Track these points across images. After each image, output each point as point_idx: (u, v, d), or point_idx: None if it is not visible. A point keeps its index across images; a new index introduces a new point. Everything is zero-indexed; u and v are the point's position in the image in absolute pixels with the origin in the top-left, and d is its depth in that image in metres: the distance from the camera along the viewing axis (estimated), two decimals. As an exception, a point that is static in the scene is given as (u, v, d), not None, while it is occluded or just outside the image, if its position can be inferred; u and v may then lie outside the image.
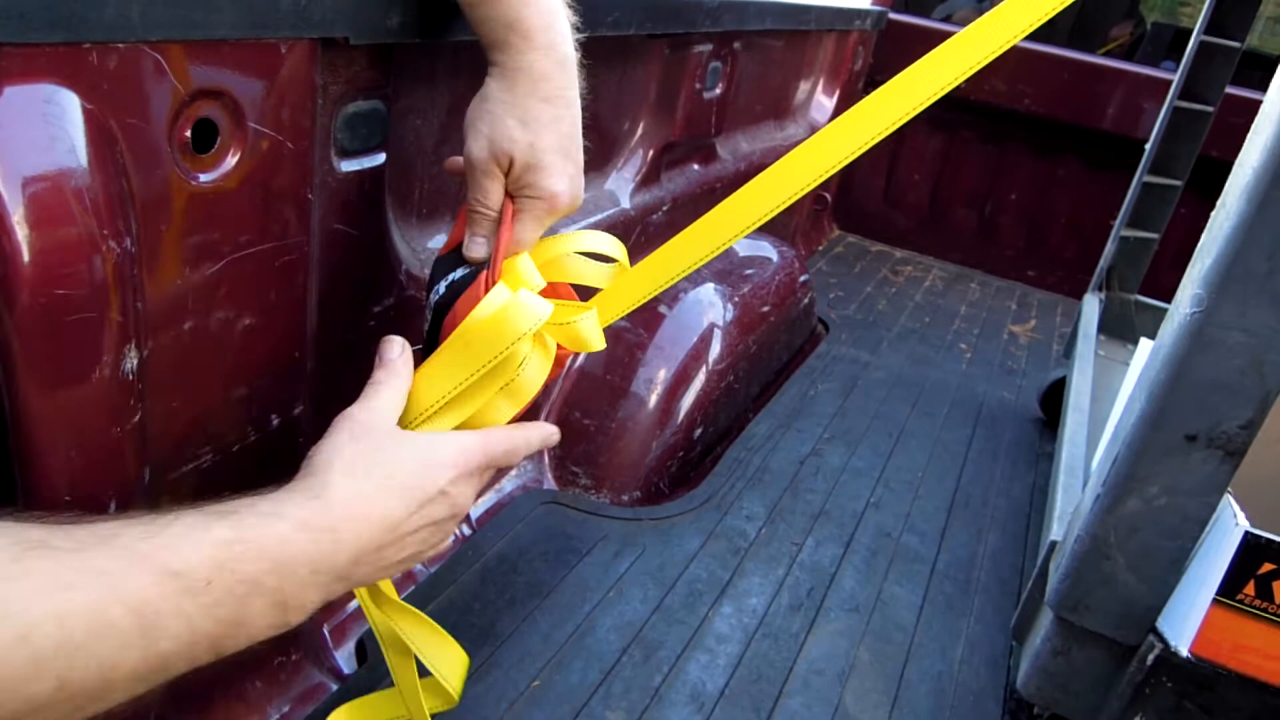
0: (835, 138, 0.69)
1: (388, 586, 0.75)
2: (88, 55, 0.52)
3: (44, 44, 0.50)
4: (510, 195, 0.71)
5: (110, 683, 0.44)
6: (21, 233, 0.52)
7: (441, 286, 0.73)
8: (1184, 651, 0.76)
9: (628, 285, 0.76)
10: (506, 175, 0.70)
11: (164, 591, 0.46)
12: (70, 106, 0.53)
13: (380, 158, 0.81)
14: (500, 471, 0.72)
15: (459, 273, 0.72)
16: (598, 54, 1.27)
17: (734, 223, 0.72)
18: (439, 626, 0.77)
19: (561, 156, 0.69)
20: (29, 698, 0.40)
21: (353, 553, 0.56)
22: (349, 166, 0.78)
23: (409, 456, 0.61)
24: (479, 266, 0.72)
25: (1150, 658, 0.78)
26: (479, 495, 0.69)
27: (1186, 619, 0.76)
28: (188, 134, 0.61)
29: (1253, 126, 0.73)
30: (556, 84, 0.68)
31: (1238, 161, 0.73)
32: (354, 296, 0.85)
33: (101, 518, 0.47)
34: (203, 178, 0.63)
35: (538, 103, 0.67)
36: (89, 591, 0.43)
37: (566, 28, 0.69)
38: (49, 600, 0.41)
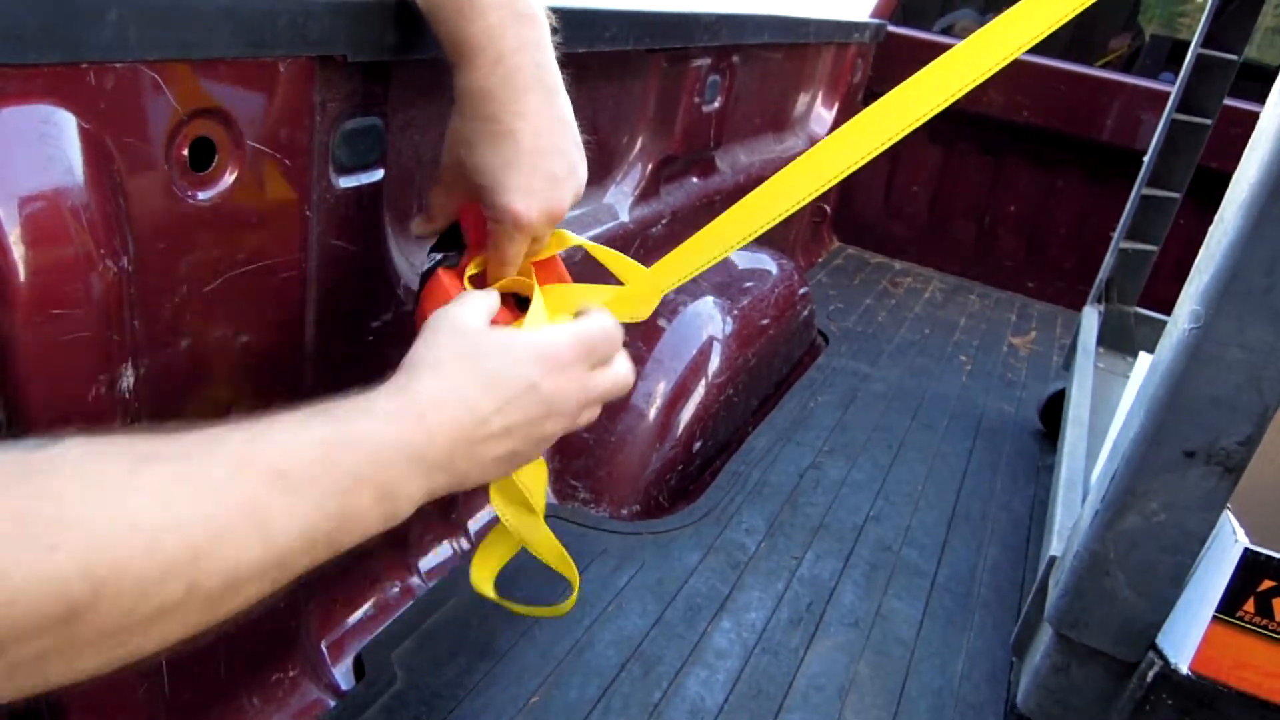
0: (836, 149, 0.69)
1: (538, 485, 0.78)
2: (85, 75, 0.53)
3: (41, 64, 0.50)
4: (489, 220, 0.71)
5: (236, 583, 0.46)
6: (18, 252, 0.52)
7: (422, 269, 0.76)
8: (1184, 669, 0.76)
9: (626, 295, 0.77)
10: (471, 195, 0.71)
11: (273, 492, 0.47)
12: (67, 126, 0.53)
13: (378, 174, 0.81)
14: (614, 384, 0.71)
15: (431, 259, 0.75)
16: (596, 68, 1.28)
17: (733, 233, 0.73)
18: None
19: (515, 172, 0.67)
20: (162, 603, 0.42)
21: (445, 443, 0.57)
22: (347, 183, 0.78)
23: (494, 349, 0.61)
24: (440, 260, 0.74)
25: (1150, 675, 0.77)
26: (593, 401, 0.68)
27: (1186, 636, 0.76)
28: (185, 152, 0.61)
29: (1250, 142, 0.73)
30: (499, 101, 0.66)
31: (1235, 177, 0.73)
32: (352, 312, 0.85)
33: (204, 424, 0.48)
34: (200, 196, 0.63)
35: (480, 123, 0.66)
36: (205, 499, 0.45)
37: (524, 37, 0.66)
38: (169, 509, 0.43)
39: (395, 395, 0.57)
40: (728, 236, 0.72)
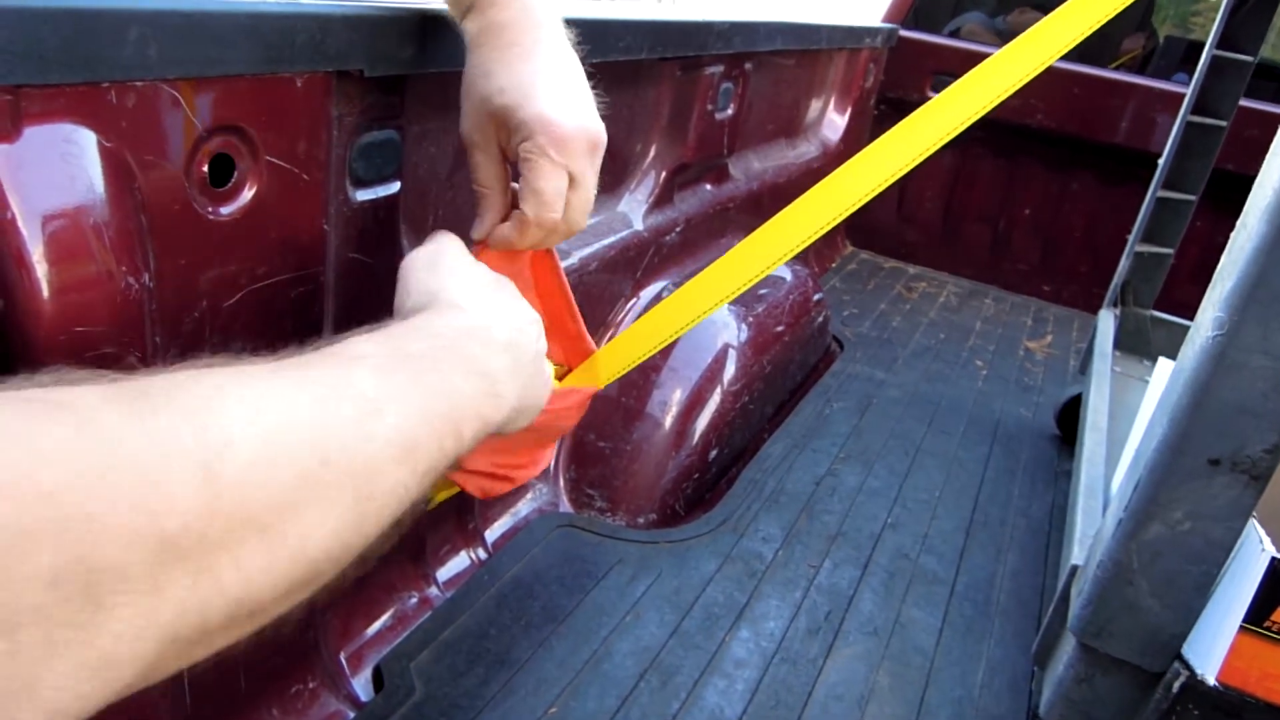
0: (858, 172, 0.69)
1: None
2: (106, 94, 0.53)
3: (63, 84, 0.51)
4: (519, 155, 0.66)
5: (370, 458, 0.42)
6: (41, 270, 0.52)
7: None
8: (1210, 679, 0.75)
9: (653, 324, 0.77)
10: (507, 142, 0.66)
11: (362, 373, 0.45)
12: (89, 145, 0.53)
13: (395, 186, 0.81)
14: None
15: None
16: (609, 78, 1.27)
17: (761, 258, 0.73)
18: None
19: (547, 84, 0.64)
20: (303, 474, 0.38)
21: (465, 302, 0.57)
22: (364, 196, 0.78)
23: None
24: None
25: (1176, 685, 0.76)
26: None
27: (1213, 646, 0.75)
28: (205, 169, 0.61)
29: (1272, 146, 0.73)
30: (519, 28, 0.65)
31: (1258, 182, 0.73)
32: (370, 325, 0.85)
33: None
34: (220, 211, 0.63)
35: (503, 49, 0.65)
36: (296, 382, 0.42)
37: None
38: (276, 391, 0.40)
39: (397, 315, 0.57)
40: (756, 262, 0.72)
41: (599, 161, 0.68)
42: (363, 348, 0.48)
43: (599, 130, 0.66)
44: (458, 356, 0.51)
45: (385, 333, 0.51)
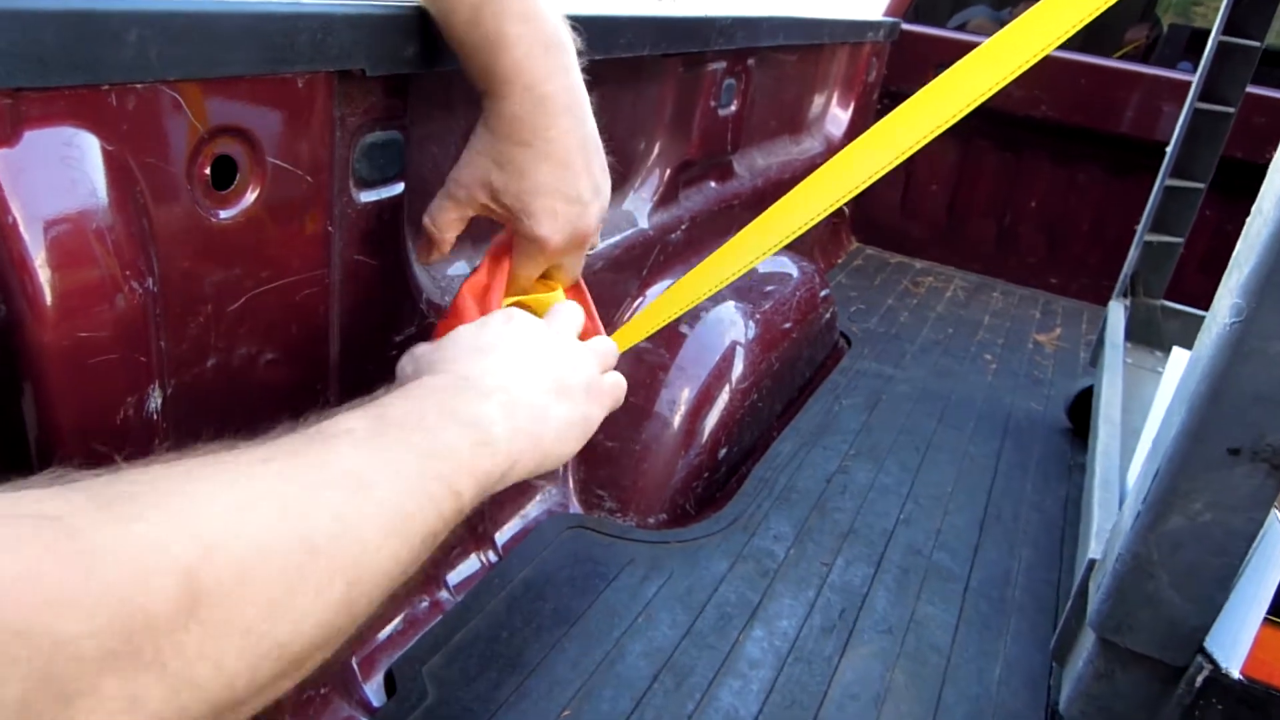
0: (857, 158, 0.68)
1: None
2: (107, 97, 0.52)
3: (63, 87, 0.50)
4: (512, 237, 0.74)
5: (361, 539, 0.42)
6: (44, 275, 0.52)
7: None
8: (1234, 673, 0.74)
9: (656, 306, 0.77)
10: (492, 212, 0.72)
11: (347, 449, 0.46)
12: (90, 148, 0.53)
13: (399, 187, 0.81)
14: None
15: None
16: (611, 75, 1.27)
17: (760, 242, 0.72)
18: None
19: (546, 198, 0.69)
20: (291, 568, 0.38)
21: (459, 361, 0.58)
22: (368, 197, 0.77)
23: (462, 331, 0.64)
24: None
25: (1199, 679, 0.75)
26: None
27: (1236, 639, 0.74)
28: (207, 171, 0.60)
29: (1287, 131, 0.71)
30: (531, 126, 0.67)
31: (1273, 166, 0.72)
32: (375, 327, 0.85)
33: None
34: (223, 214, 0.63)
35: (514, 147, 0.68)
36: (283, 471, 0.42)
37: (552, 66, 0.66)
38: (258, 487, 0.40)
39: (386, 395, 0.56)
40: (755, 246, 0.72)
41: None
42: (348, 422, 0.48)
43: (588, 232, 0.73)
44: (442, 410, 0.51)
45: (372, 401, 0.52)
